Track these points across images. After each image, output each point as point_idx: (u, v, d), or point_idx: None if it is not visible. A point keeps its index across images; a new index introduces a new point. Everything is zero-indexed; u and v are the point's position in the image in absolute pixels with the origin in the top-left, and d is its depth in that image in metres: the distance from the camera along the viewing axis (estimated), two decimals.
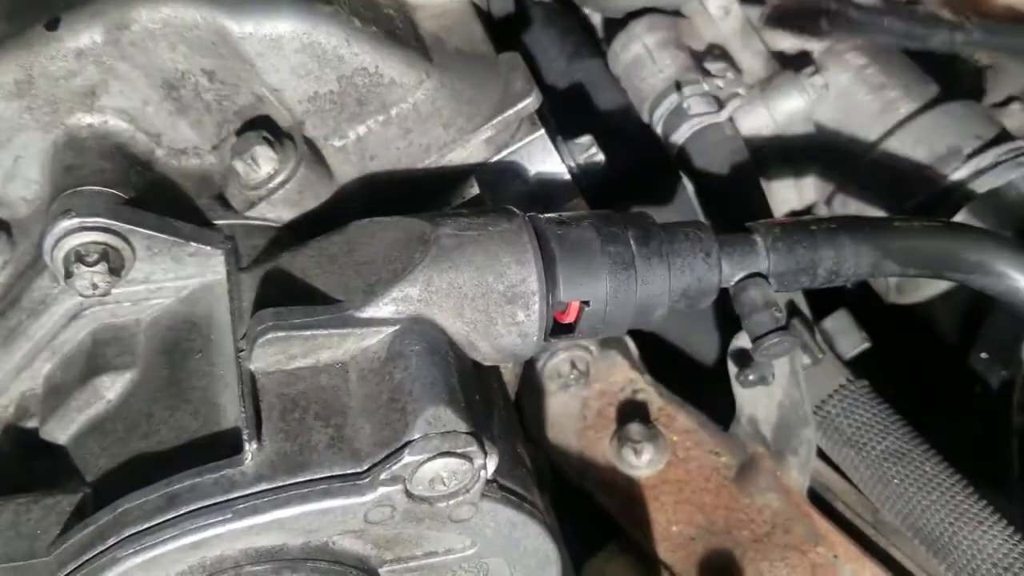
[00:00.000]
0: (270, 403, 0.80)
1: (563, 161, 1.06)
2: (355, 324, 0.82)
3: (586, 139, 1.08)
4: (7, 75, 0.90)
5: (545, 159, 1.04)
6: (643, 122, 1.28)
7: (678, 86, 1.22)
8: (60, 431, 0.87)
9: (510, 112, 0.99)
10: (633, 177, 1.29)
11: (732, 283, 0.96)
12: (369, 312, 0.82)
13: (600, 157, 1.07)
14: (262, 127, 0.97)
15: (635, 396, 1.20)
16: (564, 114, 1.25)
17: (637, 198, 1.25)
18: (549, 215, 0.93)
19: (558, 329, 0.91)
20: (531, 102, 0.99)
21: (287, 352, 0.81)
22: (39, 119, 0.92)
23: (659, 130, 1.25)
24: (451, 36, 1.07)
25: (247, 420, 0.77)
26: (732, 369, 1.11)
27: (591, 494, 1.16)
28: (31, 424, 0.90)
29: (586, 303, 0.90)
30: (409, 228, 0.88)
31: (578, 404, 1.19)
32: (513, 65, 1.03)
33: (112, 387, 0.87)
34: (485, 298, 0.85)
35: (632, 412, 1.19)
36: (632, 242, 0.91)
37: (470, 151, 1.01)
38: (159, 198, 0.93)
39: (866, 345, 1.16)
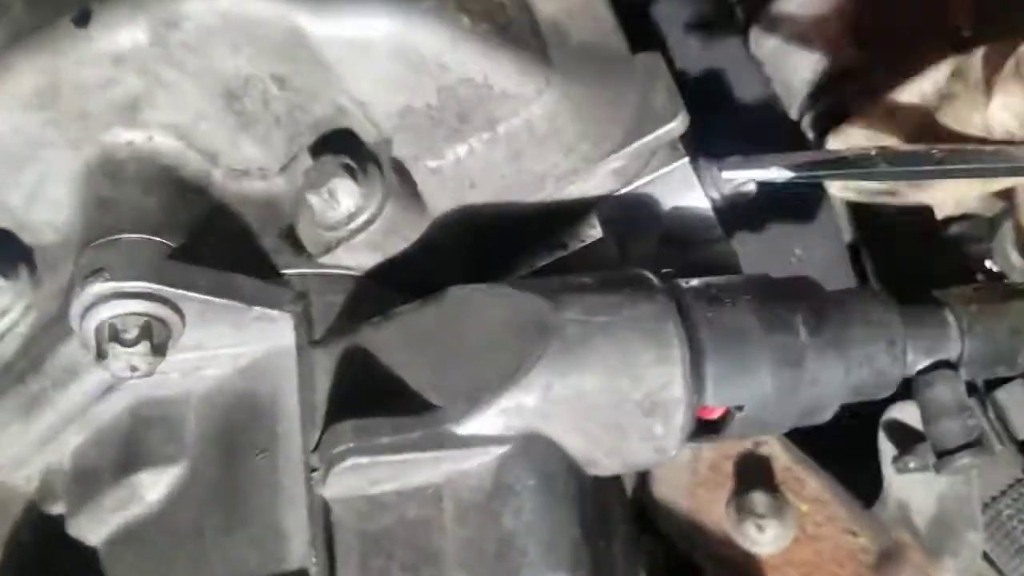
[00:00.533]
0: (347, 543, 0.64)
1: (706, 194, 0.85)
2: (455, 444, 0.65)
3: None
4: (26, 82, 0.71)
5: (685, 192, 0.84)
6: (790, 120, 1.06)
7: (842, 80, 0.99)
8: (91, 531, 0.72)
9: (648, 139, 0.79)
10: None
11: (915, 371, 0.78)
12: (473, 427, 0.65)
13: (751, 188, 0.87)
14: (342, 147, 0.78)
15: (756, 449, 1.02)
16: (696, 108, 1.04)
17: (775, 210, 1.05)
18: (696, 285, 0.74)
19: (700, 429, 0.74)
20: (676, 126, 0.78)
21: (370, 477, 0.64)
22: (67, 135, 0.74)
23: (810, 135, 1.03)
24: (575, 24, 0.86)
25: (319, 570, 0.62)
26: (884, 445, 0.93)
27: (702, 567, 1.00)
28: (57, 510, 0.76)
29: (740, 407, 0.72)
30: (523, 307, 0.69)
31: (688, 454, 1.02)
32: (653, 70, 0.82)
33: (155, 486, 0.71)
34: (617, 408, 0.68)
35: (753, 469, 1.01)
36: (802, 329, 0.72)
37: (594, 184, 0.81)
38: (215, 237, 0.76)
39: None
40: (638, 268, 0.74)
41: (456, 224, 0.82)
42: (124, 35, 0.69)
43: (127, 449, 0.73)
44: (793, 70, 1.03)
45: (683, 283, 0.74)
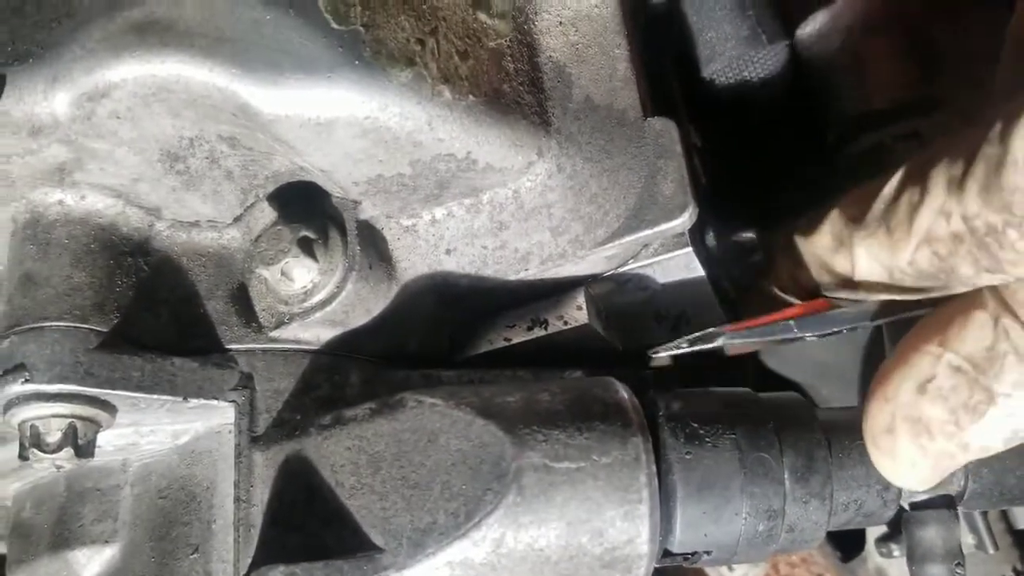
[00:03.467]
0: None
1: (712, 267, 0.76)
2: None
3: (748, 239, 0.77)
4: None
5: (686, 276, 0.75)
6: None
7: (887, 118, 0.87)
8: None
9: (648, 233, 0.69)
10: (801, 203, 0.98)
11: (908, 503, 0.72)
12: None
13: (761, 260, 0.77)
14: (301, 204, 0.69)
15: None
16: (723, 121, 0.92)
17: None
18: (677, 411, 0.67)
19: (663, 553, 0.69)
20: (682, 222, 0.68)
21: None
22: None
23: (845, 168, 0.91)
24: (583, 70, 0.74)
25: None
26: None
27: None
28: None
29: (708, 552, 0.67)
30: (482, 440, 0.63)
31: None
32: (665, 144, 0.70)
33: (88, 565, 0.69)
34: (573, 562, 0.63)
35: None
36: (787, 479, 0.66)
37: (583, 267, 0.73)
38: (156, 299, 0.69)
39: None
40: (616, 386, 0.67)
41: (428, 291, 0.74)
42: (40, 108, 0.60)
43: (62, 524, 0.70)
44: (838, 90, 0.90)
45: (662, 409, 0.67)
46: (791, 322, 0.65)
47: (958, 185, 0.55)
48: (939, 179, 0.57)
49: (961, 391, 0.60)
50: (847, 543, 0.98)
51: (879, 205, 0.61)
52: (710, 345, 0.67)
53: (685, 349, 0.67)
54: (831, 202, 0.66)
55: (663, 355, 0.69)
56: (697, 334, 0.66)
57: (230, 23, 0.61)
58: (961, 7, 0.90)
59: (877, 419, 0.63)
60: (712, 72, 0.91)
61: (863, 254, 0.63)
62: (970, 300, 0.60)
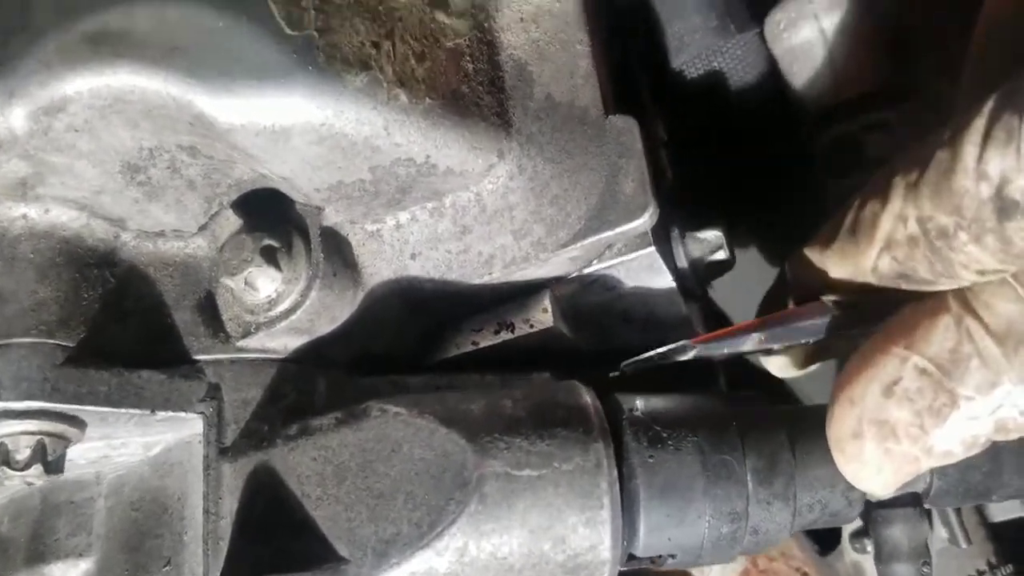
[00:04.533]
0: None
1: (677, 264, 0.76)
2: None
3: (713, 236, 0.77)
4: None
5: (651, 276, 0.75)
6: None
7: (856, 108, 0.86)
8: None
9: (610, 234, 0.69)
10: (772, 191, 0.98)
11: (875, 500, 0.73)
12: None
13: (726, 257, 0.77)
14: (266, 212, 0.69)
15: None
16: (694, 112, 0.91)
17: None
18: (640, 416, 0.67)
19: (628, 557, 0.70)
20: (643, 223, 0.68)
21: None
22: None
23: (818, 157, 0.90)
24: (544, 68, 0.73)
25: None
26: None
27: None
28: None
29: (672, 555, 0.68)
30: (445, 449, 0.64)
31: None
32: (626, 143, 0.70)
33: None
34: (536, 569, 0.64)
35: None
36: (750, 480, 0.67)
37: (547, 270, 0.73)
38: (123, 310, 0.69)
39: (1022, 513, 0.92)
40: (580, 391, 0.68)
41: (394, 296, 0.74)
42: None
43: (38, 539, 0.70)
44: (808, 80, 0.89)
45: (625, 413, 0.67)
46: (755, 334, 0.65)
47: (913, 189, 0.56)
48: (898, 185, 0.57)
49: (926, 393, 0.60)
50: (824, 537, 0.99)
51: (849, 216, 0.61)
52: (680, 358, 0.67)
53: (653, 364, 0.68)
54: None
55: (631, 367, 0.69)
56: (664, 349, 0.66)
57: (183, 32, 0.60)
58: None
59: (843, 423, 0.63)
60: (681, 63, 0.90)
61: (834, 261, 0.63)
62: (935, 302, 0.60)
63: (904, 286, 0.60)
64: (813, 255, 0.65)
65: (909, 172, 0.56)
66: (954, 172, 0.53)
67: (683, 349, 0.67)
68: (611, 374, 0.72)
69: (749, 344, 0.67)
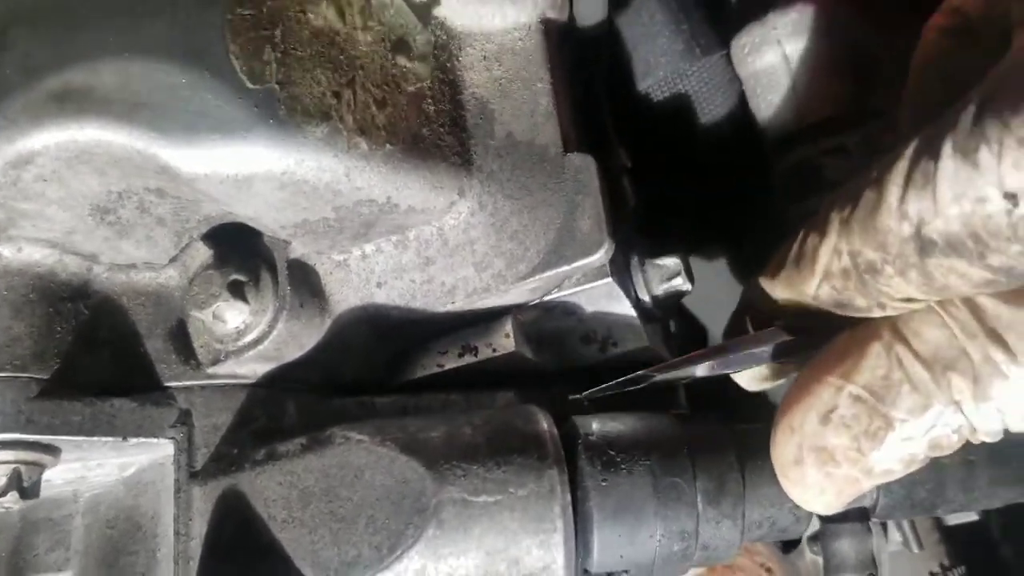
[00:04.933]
0: None
1: (636, 293, 0.79)
2: None
3: (672, 263, 0.79)
4: None
5: (610, 302, 0.77)
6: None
7: (816, 133, 0.88)
8: None
9: (566, 268, 0.72)
10: (737, 215, 1.00)
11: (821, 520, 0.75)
12: None
13: (686, 287, 0.80)
14: (233, 245, 0.72)
15: None
16: (659, 136, 0.93)
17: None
18: (595, 440, 0.70)
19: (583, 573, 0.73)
20: (598, 258, 0.71)
21: None
22: None
23: (778, 182, 0.92)
24: (505, 106, 0.76)
25: None
26: None
27: None
28: None
29: (625, 571, 0.71)
30: (404, 476, 0.67)
31: None
32: (583, 180, 0.73)
33: None
34: None
35: None
36: (699, 501, 0.70)
37: (508, 299, 0.75)
38: (96, 340, 0.72)
39: (973, 517, 0.94)
40: (538, 417, 0.70)
41: (361, 323, 0.77)
42: None
43: (18, 555, 0.73)
44: (771, 104, 0.91)
45: (581, 437, 0.70)
46: (708, 361, 0.68)
47: (846, 225, 0.58)
48: (834, 220, 0.60)
49: (862, 419, 0.63)
50: None
51: (794, 247, 0.64)
52: (639, 386, 0.70)
53: (614, 392, 0.70)
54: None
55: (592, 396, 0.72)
56: (624, 379, 0.69)
57: (147, 88, 0.63)
58: (897, 15, 0.91)
59: (785, 450, 0.65)
60: (647, 87, 0.92)
61: (781, 289, 0.66)
62: (868, 330, 0.62)
63: (842, 313, 0.63)
64: (765, 283, 0.68)
65: (843, 208, 0.59)
66: (879, 211, 0.55)
67: (643, 378, 0.70)
68: (571, 396, 0.75)
69: (702, 370, 0.69)
